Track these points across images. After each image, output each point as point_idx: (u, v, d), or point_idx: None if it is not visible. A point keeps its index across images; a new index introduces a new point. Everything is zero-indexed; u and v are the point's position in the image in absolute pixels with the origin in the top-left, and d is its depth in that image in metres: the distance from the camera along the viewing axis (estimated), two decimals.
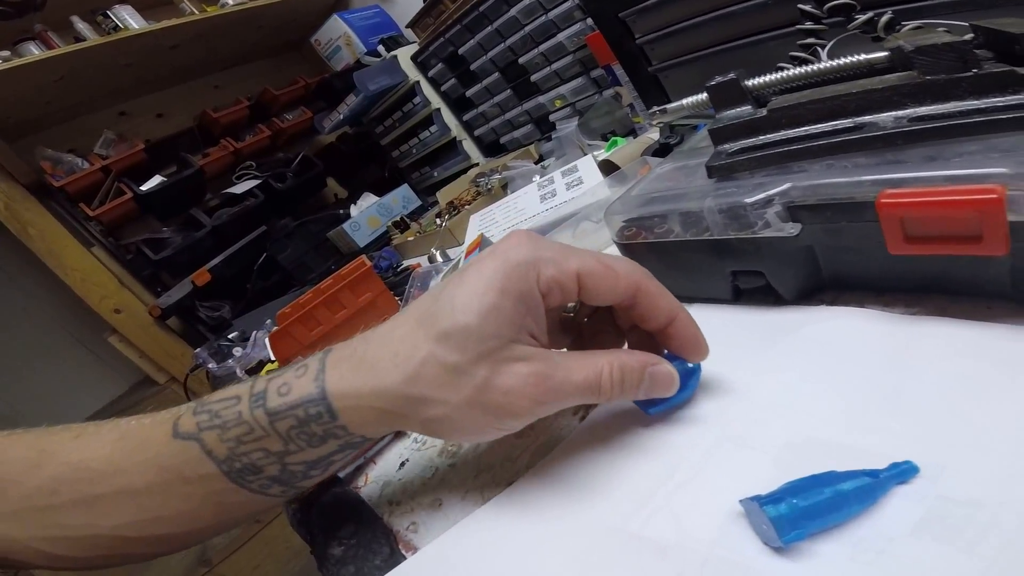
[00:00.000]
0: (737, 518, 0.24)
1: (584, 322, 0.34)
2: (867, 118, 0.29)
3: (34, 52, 1.55)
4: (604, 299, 0.29)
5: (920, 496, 0.21)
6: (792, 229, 0.28)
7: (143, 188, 1.74)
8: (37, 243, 1.67)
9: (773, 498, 0.22)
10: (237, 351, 1.17)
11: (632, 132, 1.01)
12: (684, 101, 0.41)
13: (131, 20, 1.71)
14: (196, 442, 0.28)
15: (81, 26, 1.67)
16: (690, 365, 0.31)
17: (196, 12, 1.83)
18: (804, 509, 0.22)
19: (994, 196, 0.21)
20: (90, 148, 1.80)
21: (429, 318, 0.27)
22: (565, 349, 0.34)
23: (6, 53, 1.54)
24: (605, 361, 0.27)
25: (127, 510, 0.29)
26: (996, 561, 0.18)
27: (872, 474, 0.22)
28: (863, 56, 0.32)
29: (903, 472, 0.22)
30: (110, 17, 1.68)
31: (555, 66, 1.28)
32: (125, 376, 2.23)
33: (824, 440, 0.26)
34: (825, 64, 0.33)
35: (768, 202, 0.28)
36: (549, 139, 1.32)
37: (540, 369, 0.27)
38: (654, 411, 0.30)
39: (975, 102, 0.26)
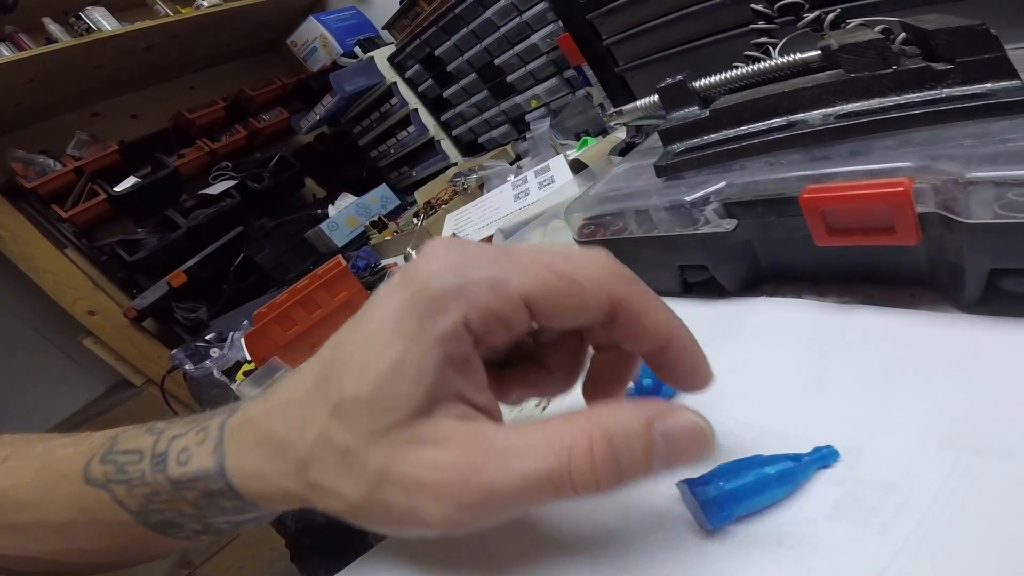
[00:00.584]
0: (675, 503, 0.26)
1: (549, 347, 0.25)
2: (799, 116, 0.30)
3: (4, 54, 1.53)
4: (568, 321, 0.21)
5: (838, 479, 0.22)
6: (728, 225, 0.29)
7: (117, 189, 1.72)
8: (8, 245, 1.64)
9: (702, 481, 0.23)
10: (214, 352, 1.16)
11: (604, 132, 1.02)
12: (638, 103, 0.43)
13: (104, 22, 1.69)
14: (106, 491, 0.25)
15: (53, 27, 1.64)
16: None
17: (170, 13, 1.81)
18: (731, 492, 0.22)
19: (900, 189, 0.23)
20: (63, 149, 1.77)
21: (325, 379, 0.20)
22: (523, 408, 0.27)
23: None
24: (578, 431, 0.18)
25: (52, 540, 0.27)
26: (908, 542, 0.19)
27: (795, 458, 0.23)
28: (798, 55, 0.33)
29: (824, 456, 0.23)
30: (83, 19, 1.66)
31: (530, 67, 1.29)
32: (101, 379, 2.20)
33: (754, 426, 0.27)
34: (763, 64, 0.35)
35: (706, 200, 0.30)
36: (525, 139, 1.34)
37: (463, 457, 0.18)
38: None
39: (895, 98, 0.28)
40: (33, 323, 2.13)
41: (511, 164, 1.23)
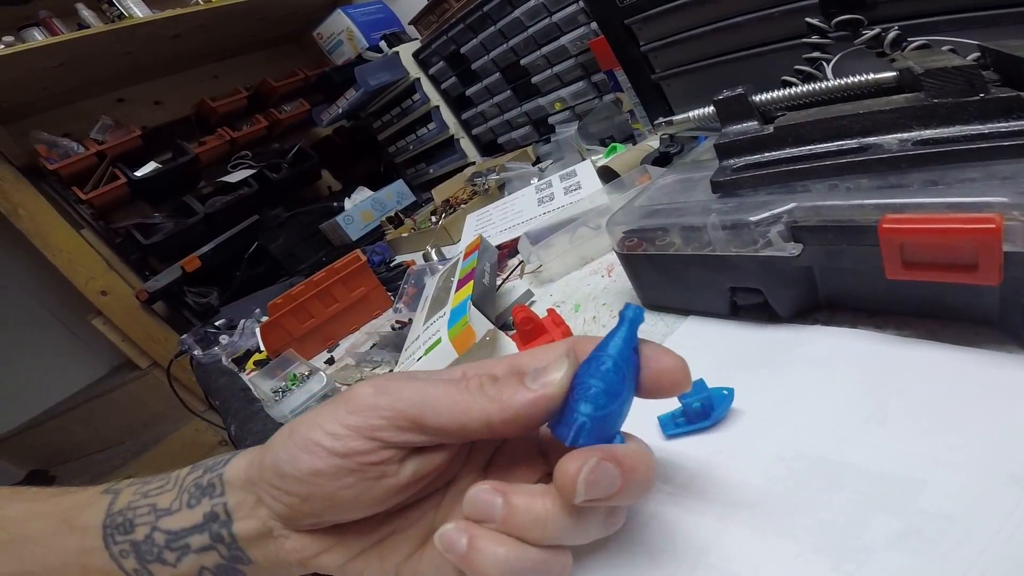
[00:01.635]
0: (726, 528, 0.25)
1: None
2: (872, 139, 0.29)
3: (38, 38, 1.54)
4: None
5: (899, 510, 0.22)
6: (793, 249, 0.28)
7: (137, 173, 1.73)
8: (26, 223, 1.65)
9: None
10: (223, 339, 1.16)
11: (631, 138, 1.01)
12: (690, 114, 0.41)
13: (136, 8, 1.69)
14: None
15: (86, 13, 1.65)
16: (724, 391, 0.30)
17: (200, 2, 1.82)
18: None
19: (991, 226, 0.22)
20: (86, 133, 1.78)
21: None
22: None
23: (10, 38, 1.53)
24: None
25: None
26: (967, 573, 0.19)
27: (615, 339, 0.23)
28: (871, 76, 0.32)
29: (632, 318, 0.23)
30: (115, 5, 1.66)
31: (556, 69, 1.28)
32: (106, 359, 2.21)
33: (811, 454, 0.26)
34: (833, 82, 0.34)
35: (772, 221, 0.29)
36: (547, 141, 1.32)
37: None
38: (671, 432, 0.31)
39: (980, 127, 0.27)
40: (44, 300, 2.14)
41: (533, 166, 1.22)
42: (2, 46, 1.48)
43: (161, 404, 1.86)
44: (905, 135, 0.28)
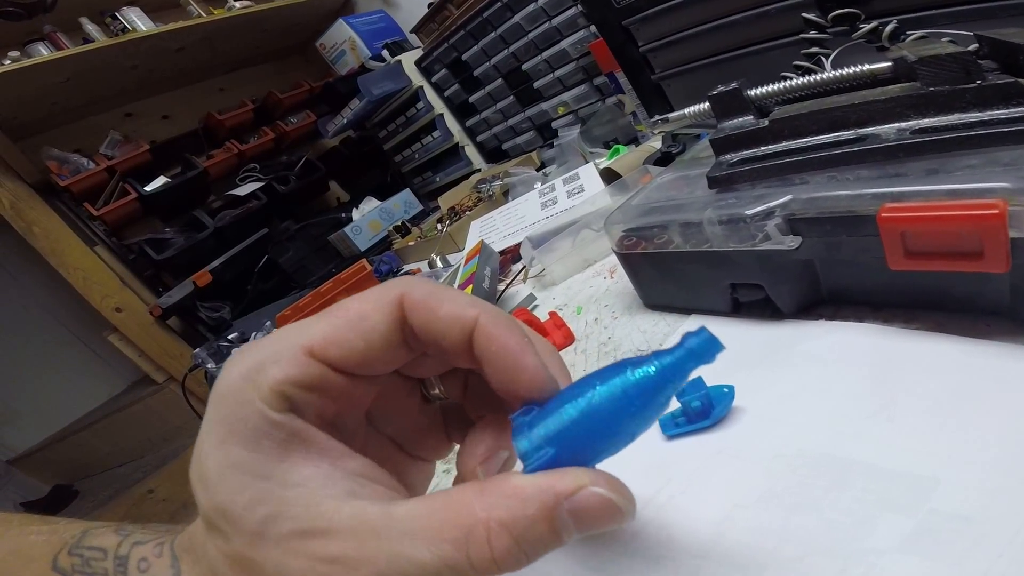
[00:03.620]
0: (728, 531, 0.24)
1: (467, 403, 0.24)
2: (869, 130, 0.29)
3: (43, 53, 1.57)
4: (375, 354, 0.19)
5: (911, 510, 0.21)
6: (792, 242, 0.28)
7: (147, 189, 1.75)
8: (41, 241, 1.67)
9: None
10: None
11: (634, 140, 1.00)
12: (686, 110, 0.41)
13: (139, 22, 1.72)
14: None
15: (90, 27, 1.68)
16: (725, 389, 0.29)
17: (203, 14, 1.84)
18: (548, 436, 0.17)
19: (995, 212, 0.21)
20: (96, 148, 1.81)
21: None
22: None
23: (16, 53, 1.56)
24: (475, 519, 0.16)
25: None
26: None
27: (656, 359, 0.17)
28: (866, 67, 0.31)
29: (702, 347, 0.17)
30: (119, 19, 1.70)
31: (558, 73, 1.28)
32: (124, 375, 2.23)
33: (814, 452, 0.25)
34: (827, 74, 0.33)
35: (768, 214, 0.28)
36: (551, 146, 1.32)
37: (350, 548, 0.17)
38: (672, 433, 0.30)
39: (978, 114, 0.26)
40: (61, 317, 2.18)
41: (536, 171, 1.21)
42: (8, 62, 1.51)
43: (179, 418, 1.88)
44: (902, 124, 0.28)
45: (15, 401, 2.14)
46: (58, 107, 1.76)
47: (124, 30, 1.70)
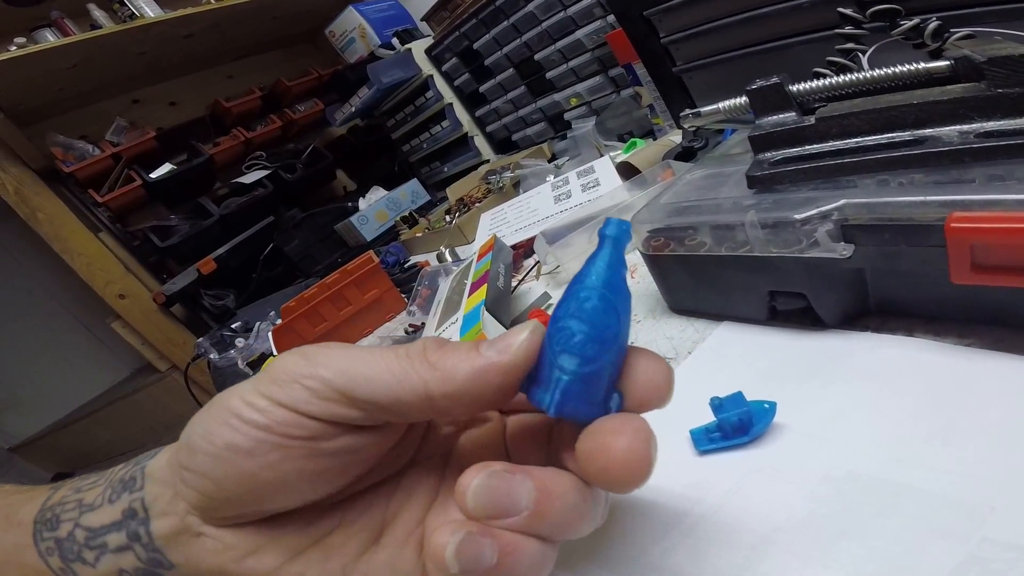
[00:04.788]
0: (764, 555, 0.23)
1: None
2: (928, 131, 0.27)
3: (50, 39, 1.55)
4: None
5: (963, 537, 0.20)
6: (844, 250, 0.26)
7: (153, 175, 1.73)
8: (45, 227, 1.66)
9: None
10: (239, 342, 1.15)
11: (650, 134, 0.98)
12: (720, 105, 0.39)
13: (147, 8, 1.70)
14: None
15: (98, 14, 1.66)
16: (766, 405, 0.28)
17: (212, 0, 1.82)
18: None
19: None
20: (102, 135, 1.80)
21: None
22: None
23: (22, 39, 1.54)
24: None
25: None
26: None
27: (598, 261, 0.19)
28: (922, 65, 0.29)
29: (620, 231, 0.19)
30: (127, 4, 1.67)
31: (572, 63, 1.26)
32: (127, 362, 2.23)
33: (864, 475, 0.24)
34: (878, 72, 0.31)
35: (820, 219, 0.26)
36: (563, 138, 1.30)
37: None
38: (705, 448, 0.28)
39: None
40: (65, 303, 2.17)
41: (548, 163, 1.19)
42: (15, 47, 1.49)
43: (182, 407, 1.87)
44: (966, 127, 0.26)
45: (19, 388, 2.14)
46: (64, 93, 1.75)
47: (132, 16, 1.67)
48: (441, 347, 0.19)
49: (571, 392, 0.17)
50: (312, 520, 0.21)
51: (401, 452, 0.22)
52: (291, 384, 0.19)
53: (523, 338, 0.18)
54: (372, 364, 0.19)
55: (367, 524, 0.21)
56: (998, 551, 0.19)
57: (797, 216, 0.27)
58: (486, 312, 0.45)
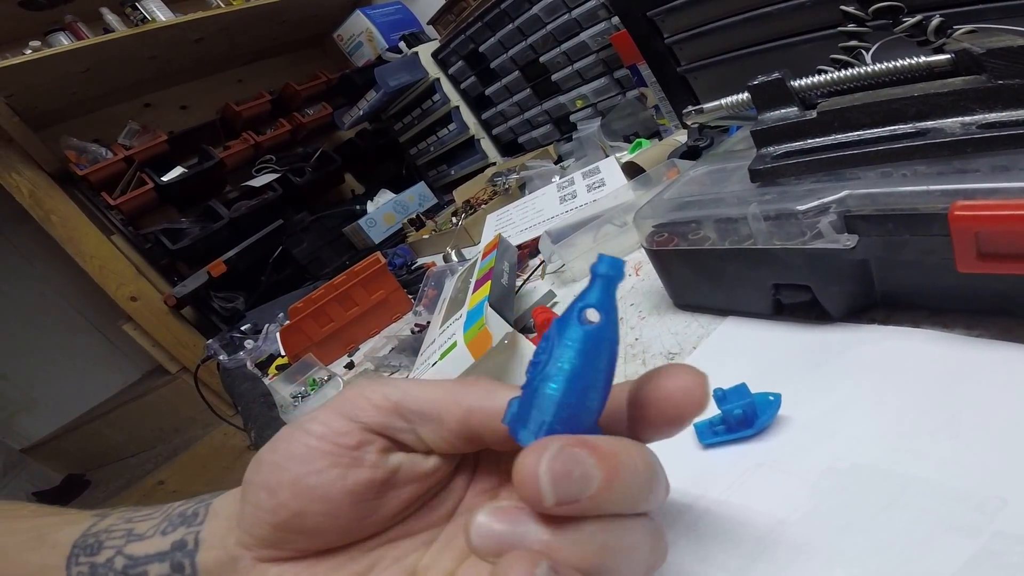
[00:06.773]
0: (768, 548, 0.23)
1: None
2: (930, 123, 0.27)
3: (64, 43, 1.57)
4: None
5: (975, 530, 0.20)
6: (848, 241, 0.26)
7: (164, 178, 1.76)
8: (58, 230, 1.69)
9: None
10: (248, 343, 1.16)
11: (656, 134, 0.98)
12: (722, 101, 0.39)
13: (159, 12, 1.73)
14: None
15: (111, 18, 1.69)
16: (771, 397, 0.28)
17: (222, 5, 1.84)
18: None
19: None
20: (114, 138, 1.82)
21: None
22: None
23: (37, 43, 1.57)
24: None
25: None
26: None
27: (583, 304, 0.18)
28: (923, 59, 0.29)
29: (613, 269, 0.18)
30: (139, 9, 1.70)
31: (577, 65, 1.26)
32: (138, 364, 2.25)
33: (871, 468, 0.24)
34: (879, 66, 0.31)
35: (822, 210, 0.26)
36: (569, 139, 1.30)
37: None
38: (709, 441, 0.28)
39: None
40: (78, 306, 2.20)
41: (554, 165, 1.20)
42: (30, 51, 1.52)
43: (192, 409, 1.89)
44: (967, 118, 0.26)
45: (33, 390, 2.16)
46: (77, 97, 1.78)
47: (144, 20, 1.70)
48: (491, 382, 0.21)
49: (544, 426, 0.18)
50: (345, 563, 0.21)
51: (438, 503, 0.23)
52: (358, 397, 0.21)
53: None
54: (429, 385, 0.21)
55: (400, 571, 0.22)
56: (1011, 544, 0.19)
57: (800, 207, 0.27)
58: (490, 308, 0.45)
